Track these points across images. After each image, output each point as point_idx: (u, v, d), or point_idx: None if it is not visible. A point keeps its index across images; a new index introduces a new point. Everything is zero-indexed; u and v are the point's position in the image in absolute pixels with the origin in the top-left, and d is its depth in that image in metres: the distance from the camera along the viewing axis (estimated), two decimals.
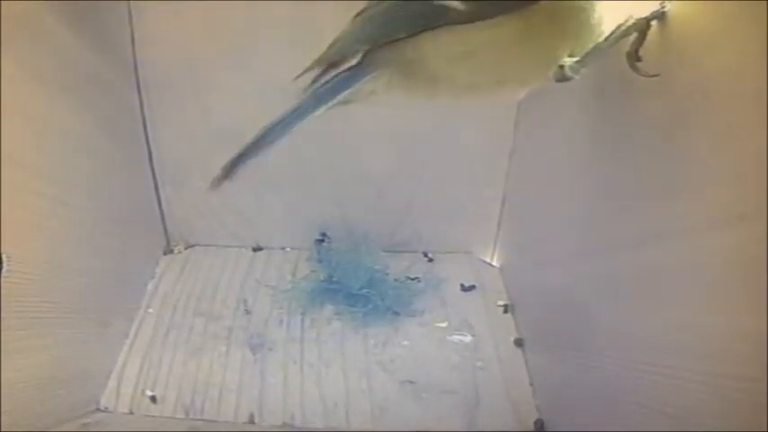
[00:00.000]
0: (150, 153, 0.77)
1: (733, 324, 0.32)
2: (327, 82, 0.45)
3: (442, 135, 0.74)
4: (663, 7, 0.39)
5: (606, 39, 0.41)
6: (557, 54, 0.41)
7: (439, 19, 0.39)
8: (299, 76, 0.46)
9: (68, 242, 0.58)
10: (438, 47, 0.41)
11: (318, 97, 0.45)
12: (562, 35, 0.40)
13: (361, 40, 0.43)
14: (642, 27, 0.40)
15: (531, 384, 0.67)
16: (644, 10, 0.40)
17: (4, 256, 0.47)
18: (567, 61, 0.41)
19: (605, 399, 0.49)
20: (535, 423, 0.63)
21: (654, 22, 0.40)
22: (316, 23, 0.66)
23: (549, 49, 0.40)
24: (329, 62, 0.45)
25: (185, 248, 0.86)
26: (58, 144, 0.57)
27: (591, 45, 0.41)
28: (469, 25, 0.39)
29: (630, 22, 0.40)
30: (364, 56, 0.44)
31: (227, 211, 0.83)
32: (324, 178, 0.79)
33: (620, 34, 0.41)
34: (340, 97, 0.44)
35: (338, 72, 0.45)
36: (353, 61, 0.44)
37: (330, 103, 0.44)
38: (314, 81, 0.46)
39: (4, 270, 0.46)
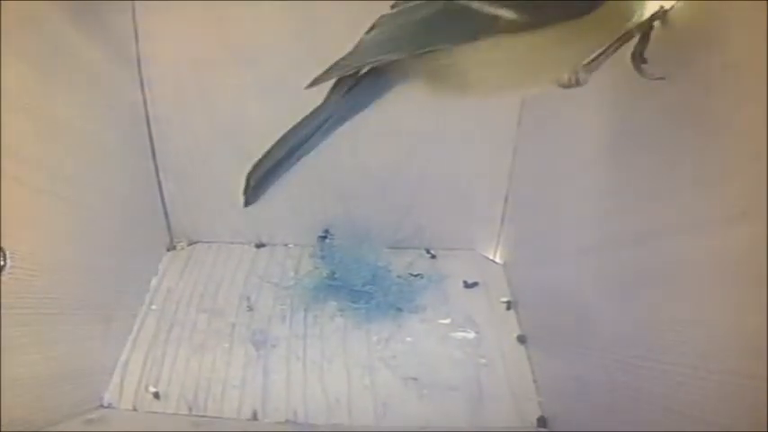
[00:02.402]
0: (153, 150, 0.77)
1: (736, 321, 0.32)
2: (352, 91, 0.43)
3: (445, 131, 0.74)
4: (662, 8, 0.39)
5: (613, 43, 0.40)
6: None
7: (487, 29, 0.37)
8: (313, 85, 0.43)
9: (71, 239, 0.59)
10: (478, 54, 0.38)
11: (346, 109, 0.43)
12: (609, 36, 0.39)
13: (393, 48, 0.40)
14: (645, 28, 0.40)
15: (535, 381, 0.67)
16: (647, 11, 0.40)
17: (7, 253, 0.47)
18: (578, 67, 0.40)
19: (608, 396, 0.49)
20: (538, 420, 0.63)
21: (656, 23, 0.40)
22: (320, 22, 0.66)
23: (589, 51, 0.39)
24: (350, 70, 0.42)
25: (188, 245, 0.86)
26: (61, 140, 0.57)
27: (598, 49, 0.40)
28: (518, 34, 0.37)
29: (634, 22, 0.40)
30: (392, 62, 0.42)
31: (229, 208, 0.83)
32: (327, 175, 0.78)
33: (624, 36, 0.40)
34: (368, 108, 0.43)
35: (361, 78, 0.43)
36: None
37: (358, 114, 0.43)
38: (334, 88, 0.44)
39: (7, 267, 0.47)
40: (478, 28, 0.37)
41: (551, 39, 0.37)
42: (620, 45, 0.40)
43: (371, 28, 0.43)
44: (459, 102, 0.45)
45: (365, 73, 0.43)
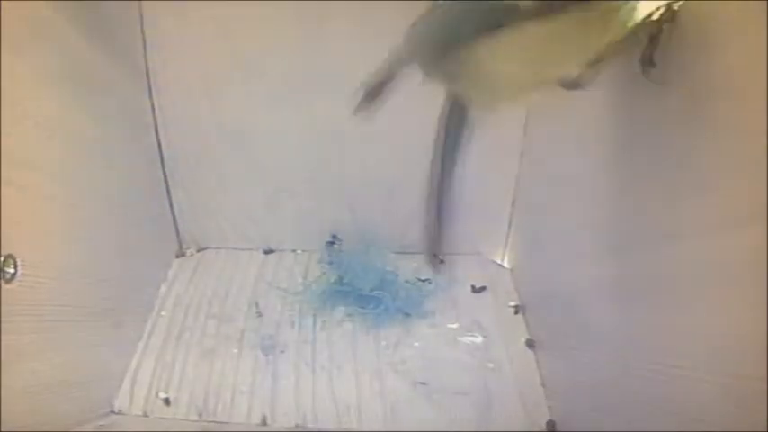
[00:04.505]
0: (162, 157, 0.77)
1: (742, 324, 0.32)
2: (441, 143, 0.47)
3: None
4: (669, 8, 0.39)
5: (619, 43, 0.40)
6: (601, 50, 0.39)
7: (507, 18, 0.37)
8: (359, 109, 0.47)
9: (82, 246, 0.59)
10: (500, 45, 0.38)
11: (449, 161, 0.47)
12: (621, 29, 0.38)
13: (421, 49, 0.43)
14: (654, 31, 0.40)
15: (543, 385, 0.67)
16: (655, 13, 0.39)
17: (17, 261, 0.47)
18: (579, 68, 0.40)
19: (616, 399, 0.49)
20: (547, 423, 0.63)
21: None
22: (326, 32, 0.67)
23: (603, 42, 0.39)
24: (386, 77, 0.45)
25: (197, 251, 0.86)
26: (71, 149, 0.57)
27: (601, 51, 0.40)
28: (537, 20, 0.37)
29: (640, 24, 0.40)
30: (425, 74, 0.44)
31: (238, 214, 0.84)
32: (334, 181, 0.79)
33: (631, 39, 0.40)
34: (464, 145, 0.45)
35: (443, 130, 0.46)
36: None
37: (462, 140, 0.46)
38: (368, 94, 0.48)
39: (17, 274, 0.47)
40: (499, 18, 0.37)
41: (569, 25, 0.37)
42: (627, 46, 0.40)
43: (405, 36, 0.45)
44: (499, 106, 0.45)
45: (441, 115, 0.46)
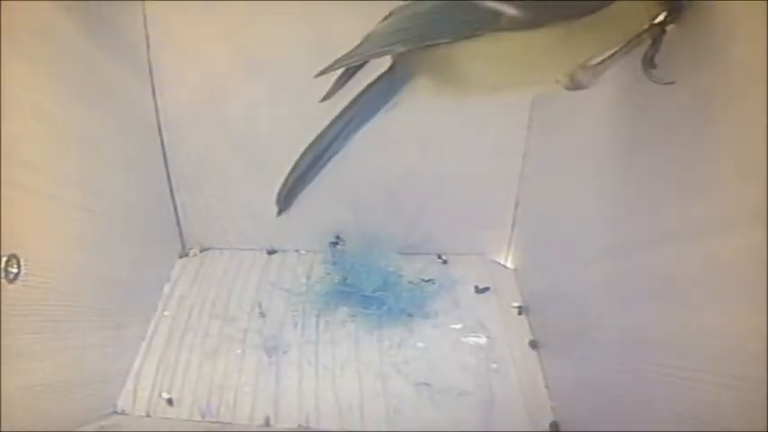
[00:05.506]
0: (166, 157, 0.77)
1: (746, 325, 0.32)
2: (362, 98, 0.45)
3: (455, 136, 0.74)
4: (672, 11, 0.39)
5: (623, 46, 0.40)
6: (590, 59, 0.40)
7: (488, 24, 0.37)
8: (321, 73, 0.45)
9: (85, 246, 0.59)
10: (478, 49, 0.39)
11: (363, 112, 0.45)
12: (611, 38, 0.39)
13: (398, 40, 0.41)
14: (657, 33, 0.40)
15: (546, 386, 0.67)
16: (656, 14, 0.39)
17: (21, 261, 0.47)
18: (580, 69, 0.40)
19: (620, 400, 0.48)
20: (550, 425, 0.63)
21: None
22: (332, 30, 0.67)
23: (590, 53, 0.40)
24: (358, 60, 0.44)
25: (200, 252, 0.86)
26: (74, 149, 0.57)
27: (607, 52, 0.40)
28: (518, 31, 0.37)
29: (644, 27, 0.40)
30: (395, 59, 0.43)
31: (241, 215, 0.84)
32: (337, 181, 0.79)
33: (635, 40, 0.40)
34: (380, 114, 0.44)
35: (370, 85, 0.45)
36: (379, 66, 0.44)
37: (372, 121, 0.44)
38: (338, 80, 0.47)
39: (21, 274, 0.47)
40: (479, 23, 0.37)
41: (551, 38, 0.37)
42: (630, 49, 0.40)
43: (384, 19, 0.44)
44: (460, 99, 0.45)
45: (379, 75, 0.44)
